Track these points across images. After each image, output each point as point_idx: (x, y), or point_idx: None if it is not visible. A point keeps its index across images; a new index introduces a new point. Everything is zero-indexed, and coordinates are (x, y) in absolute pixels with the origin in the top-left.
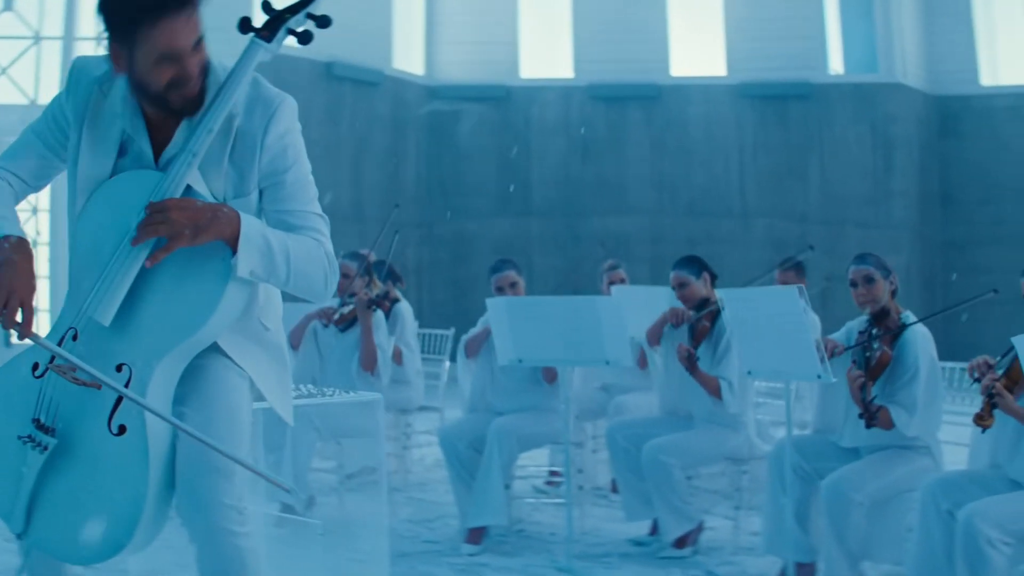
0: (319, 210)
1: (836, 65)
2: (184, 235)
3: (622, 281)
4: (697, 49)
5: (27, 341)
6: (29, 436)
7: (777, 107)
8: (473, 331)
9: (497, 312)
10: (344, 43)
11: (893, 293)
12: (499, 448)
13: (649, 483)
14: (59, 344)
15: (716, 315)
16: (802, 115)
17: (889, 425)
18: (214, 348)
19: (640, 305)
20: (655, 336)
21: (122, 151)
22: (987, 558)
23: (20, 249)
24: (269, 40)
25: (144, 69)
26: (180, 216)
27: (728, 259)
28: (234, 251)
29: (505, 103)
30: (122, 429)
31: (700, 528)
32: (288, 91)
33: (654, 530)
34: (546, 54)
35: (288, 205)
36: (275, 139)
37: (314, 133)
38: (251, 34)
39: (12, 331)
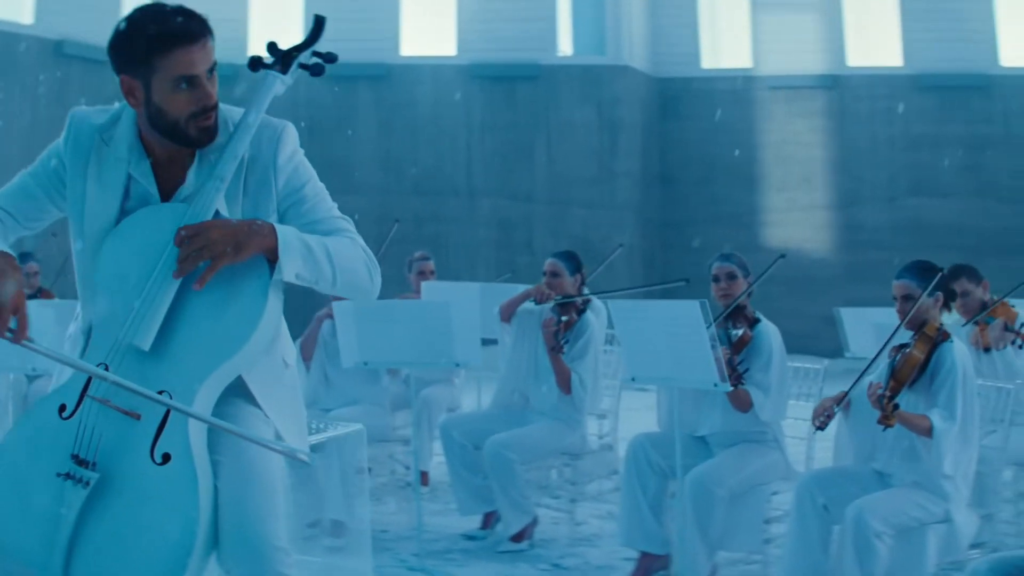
0: (341, 215)
1: (565, 47)
2: (227, 253)
3: (432, 273)
4: (428, 29)
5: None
6: (68, 473)
7: (505, 88)
8: (306, 332)
9: (344, 315)
10: (75, 21)
11: (749, 293)
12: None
13: (491, 478)
14: (88, 381)
15: (581, 312)
16: (530, 96)
17: (747, 404)
18: (238, 392)
19: (453, 301)
20: (508, 312)
21: (126, 194)
22: (874, 549)
23: (8, 262)
24: (284, 72)
25: (162, 98)
26: (220, 235)
27: (454, 238)
28: (273, 262)
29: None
30: (166, 458)
31: (535, 522)
32: (13, 70)
33: (485, 524)
34: (274, 33)
35: (313, 216)
36: (285, 161)
37: (42, 113)
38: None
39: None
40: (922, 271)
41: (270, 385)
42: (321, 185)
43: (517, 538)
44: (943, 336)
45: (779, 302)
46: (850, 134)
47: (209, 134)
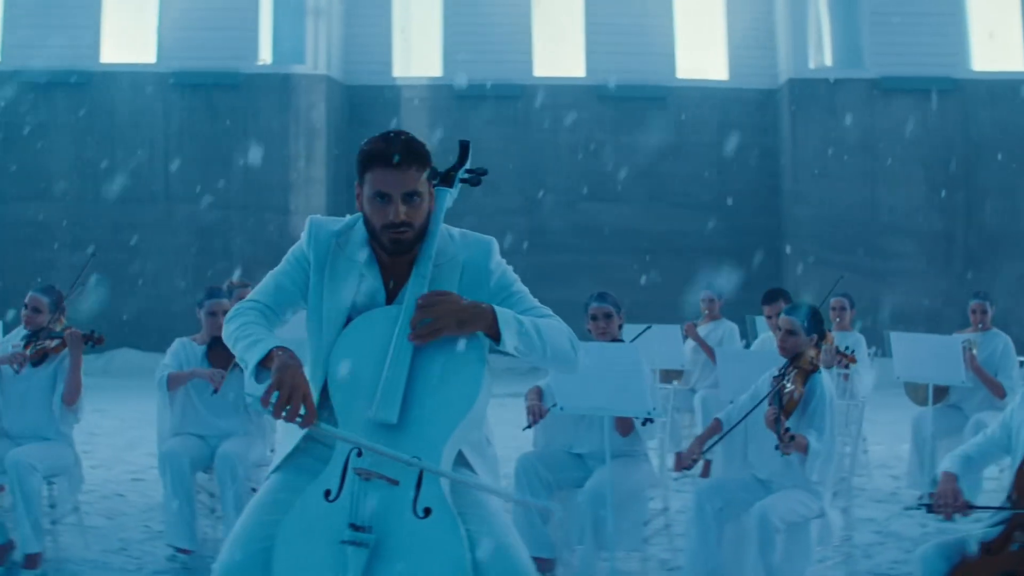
0: (542, 305)
1: (265, 56)
2: (451, 325)
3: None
4: (129, 37)
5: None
6: (350, 540)
7: (205, 96)
8: (172, 365)
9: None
10: None
11: (620, 326)
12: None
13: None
14: (346, 462)
15: None
16: (229, 104)
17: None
18: (459, 462)
19: None
20: None
21: (357, 290)
22: (774, 541)
23: (292, 356)
24: (451, 187)
25: (367, 205)
26: (447, 310)
27: (152, 244)
28: (493, 338)
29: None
30: (427, 512)
31: None
32: None
33: None
34: None
35: (522, 307)
36: (496, 266)
37: None
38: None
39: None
40: (806, 313)
41: (480, 456)
42: (524, 287)
43: None
44: (814, 368)
45: None
46: (535, 141)
47: (400, 246)
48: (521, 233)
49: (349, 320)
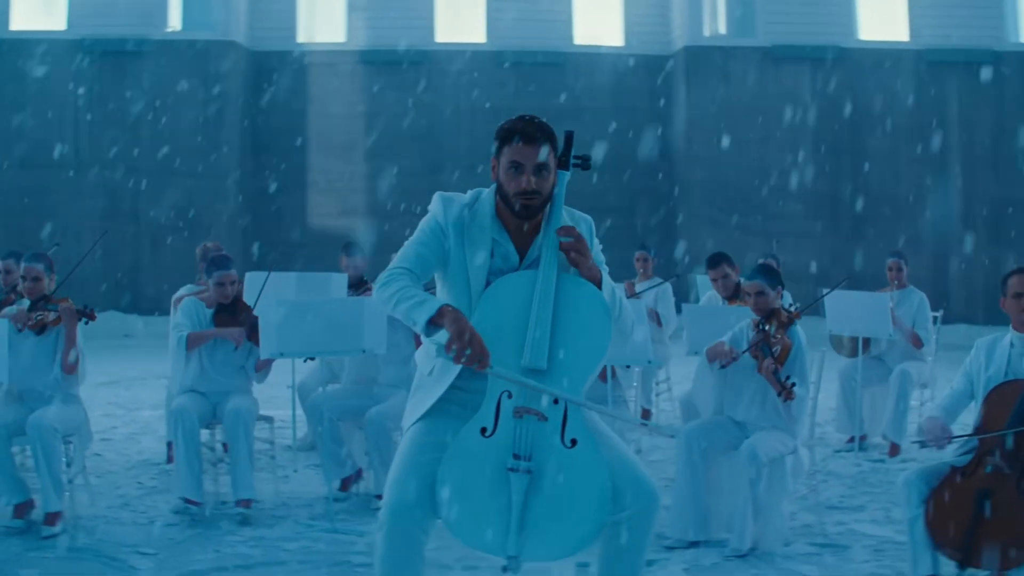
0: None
1: (174, 22)
2: (586, 258)
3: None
4: (39, 3)
5: None
6: (513, 468)
7: (114, 62)
8: (186, 324)
9: (265, 312)
10: None
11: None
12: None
13: (370, 445)
14: (498, 403)
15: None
16: (138, 70)
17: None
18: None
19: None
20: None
21: (492, 254)
22: (761, 475)
23: (460, 312)
24: (567, 169)
25: (502, 174)
26: (585, 246)
27: (61, 208)
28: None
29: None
30: (574, 442)
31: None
32: None
33: (344, 486)
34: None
35: (610, 283)
36: (595, 243)
37: None
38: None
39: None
40: (768, 273)
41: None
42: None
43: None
44: (791, 319)
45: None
46: (436, 106)
47: (529, 211)
48: (422, 196)
49: (488, 282)
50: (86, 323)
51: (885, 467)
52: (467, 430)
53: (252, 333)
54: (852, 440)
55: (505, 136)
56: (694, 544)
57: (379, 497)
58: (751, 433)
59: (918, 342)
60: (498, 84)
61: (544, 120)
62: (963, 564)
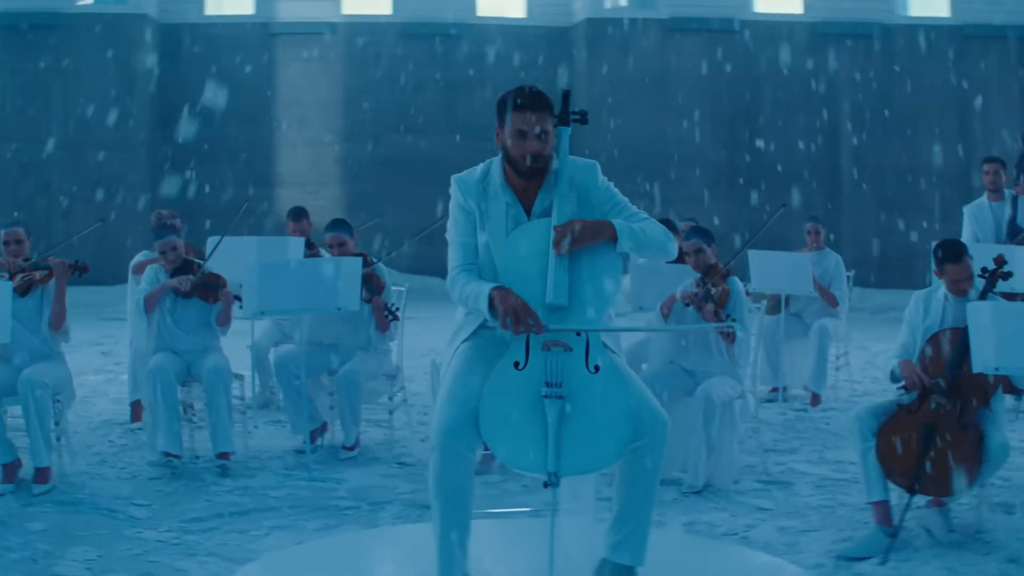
0: (639, 210)
1: None
2: (587, 236)
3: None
4: None
5: None
6: (547, 395)
7: (25, 35)
8: (148, 290)
9: (249, 273)
10: None
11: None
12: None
13: (342, 399)
14: (527, 338)
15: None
16: (49, 43)
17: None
18: None
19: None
20: None
21: (507, 216)
22: (715, 417)
23: (506, 289)
24: (567, 125)
25: (508, 141)
26: (581, 226)
27: None
28: (614, 240)
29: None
30: (597, 368)
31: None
32: None
33: (311, 439)
34: None
35: (626, 213)
36: (601, 182)
37: None
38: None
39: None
40: (703, 232)
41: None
42: (622, 196)
43: (351, 448)
44: (728, 271)
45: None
46: (343, 76)
47: (535, 172)
48: (330, 164)
49: None
50: (79, 275)
51: (808, 415)
52: (502, 366)
53: (201, 289)
54: (775, 391)
55: (509, 106)
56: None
57: (346, 448)
58: (701, 380)
59: (833, 300)
60: (402, 55)
61: (542, 90)
62: (911, 490)
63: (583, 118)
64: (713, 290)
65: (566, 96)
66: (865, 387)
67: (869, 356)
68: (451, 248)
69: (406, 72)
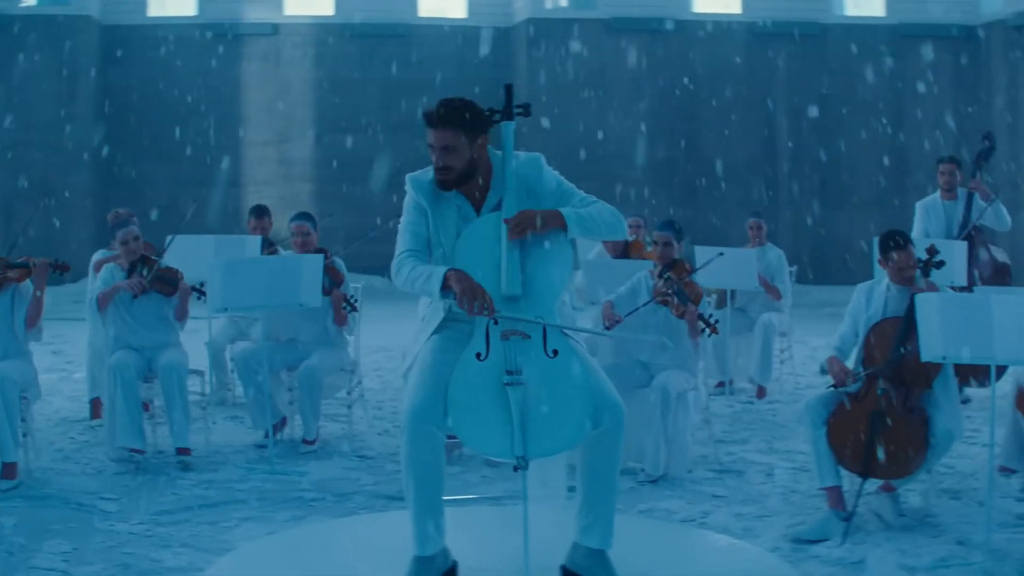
0: (587, 194)
1: None
2: (536, 225)
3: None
4: None
5: None
6: (509, 382)
7: None
8: (102, 289)
9: (214, 270)
10: None
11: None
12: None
13: (303, 394)
14: (487, 331)
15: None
16: None
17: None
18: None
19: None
20: None
21: (457, 214)
22: (671, 407)
23: (462, 272)
24: (511, 119)
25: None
26: (531, 216)
27: None
28: (564, 227)
29: None
30: (555, 352)
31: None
32: None
33: (274, 433)
34: None
35: (574, 199)
36: (547, 173)
37: None
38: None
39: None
40: (675, 228)
41: (566, 315)
42: (569, 183)
43: (311, 441)
44: (692, 268)
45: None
46: (285, 77)
47: (443, 185)
48: (270, 164)
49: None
50: (59, 274)
51: (755, 407)
52: (465, 358)
53: (159, 284)
54: (722, 384)
55: (425, 122)
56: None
57: (306, 441)
58: (655, 372)
59: (777, 294)
60: (344, 56)
61: (456, 103)
62: (863, 475)
63: (526, 111)
64: (686, 286)
65: (508, 90)
66: (808, 380)
67: (809, 351)
68: (400, 235)
69: (348, 72)
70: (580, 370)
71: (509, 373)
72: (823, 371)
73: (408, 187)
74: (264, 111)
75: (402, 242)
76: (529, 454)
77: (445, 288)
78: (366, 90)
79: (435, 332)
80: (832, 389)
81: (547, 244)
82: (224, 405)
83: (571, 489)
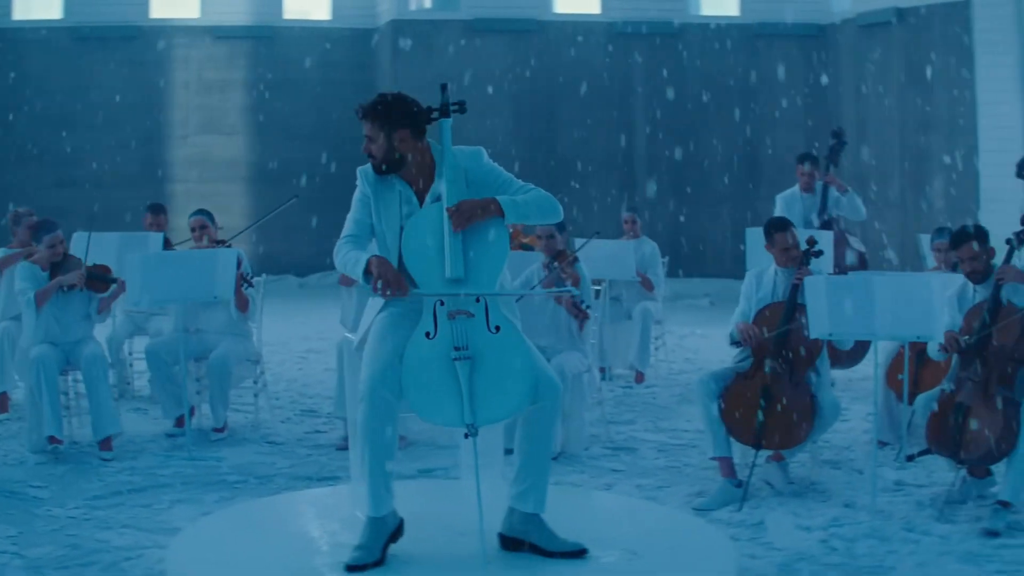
0: (523, 182)
1: None
2: (476, 214)
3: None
4: None
5: None
6: (456, 357)
7: None
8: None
9: (132, 265)
10: None
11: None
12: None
13: (213, 383)
14: (434, 311)
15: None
16: None
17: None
18: None
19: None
20: None
21: (401, 203)
22: (568, 388)
23: (382, 258)
24: (448, 116)
25: None
26: (471, 206)
27: None
28: (501, 215)
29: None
30: (498, 328)
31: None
32: None
33: (179, 423)
34: None
35: (511, 188)
36: (486, 165)
37: None
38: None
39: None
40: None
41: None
42: (506, 172)
43: (221, 429)
44: (575, 257)
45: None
46: (151, 79)
47: (375, 168)
48: (137, 165)
49: (401, 227)
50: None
51: (636, 391)
52: (415, 338)
53: (92, 281)
54: (602, 370)
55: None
56: (508, 451)
57: (216, 430)
58: (551, 356)
59: (650, 285)
60: (210, 57)
61: (381, 99)
62: (755, 446)
63: (461, 108)
64: (564, 273)
65: (444, 88)
66: (680, 366)
67: (677, 339)
68: (346, 223)
69: (213, 74)
70: (521, 344)
71: (457, 349)
72: (733, 340)
73: (359, 179)
74: (131, 113)
75: (345, 228)
76: (478, 421)
77: (367, 272)
78: (231, 92)
79: (383, 309)
80: (737, 348)
81: (486, 229)
82: (124, 398)
83: (508, 451)
